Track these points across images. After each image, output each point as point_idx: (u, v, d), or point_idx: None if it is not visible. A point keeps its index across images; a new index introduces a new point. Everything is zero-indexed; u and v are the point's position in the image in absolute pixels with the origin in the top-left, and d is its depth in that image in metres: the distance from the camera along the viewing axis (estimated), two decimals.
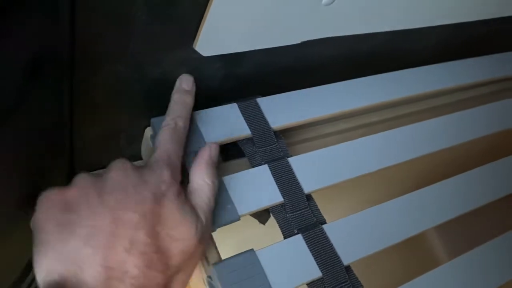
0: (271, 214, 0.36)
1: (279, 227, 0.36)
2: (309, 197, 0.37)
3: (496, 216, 0.54)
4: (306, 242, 0.34)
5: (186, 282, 0.29)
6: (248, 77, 0.40)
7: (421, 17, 0.43)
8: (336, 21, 0.37)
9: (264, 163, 0.37)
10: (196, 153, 0.34)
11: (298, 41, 0.38)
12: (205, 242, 0.32)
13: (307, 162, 0.39)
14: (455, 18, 0.46)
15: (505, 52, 0.58)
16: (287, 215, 0.36)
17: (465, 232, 0.61)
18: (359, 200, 0.65)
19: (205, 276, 0.33)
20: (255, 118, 0.39)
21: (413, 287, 0.36)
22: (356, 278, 0.34)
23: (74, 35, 0.27)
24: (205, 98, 0.37)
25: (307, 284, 0.33)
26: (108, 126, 0.36)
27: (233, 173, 0.36)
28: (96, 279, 0.25)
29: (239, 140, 0.39)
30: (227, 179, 0.35)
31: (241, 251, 0.32)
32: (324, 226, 0.36)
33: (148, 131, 0.38)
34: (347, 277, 0.34)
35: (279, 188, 0.36)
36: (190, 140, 0.36)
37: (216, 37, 0.33)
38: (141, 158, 0.41)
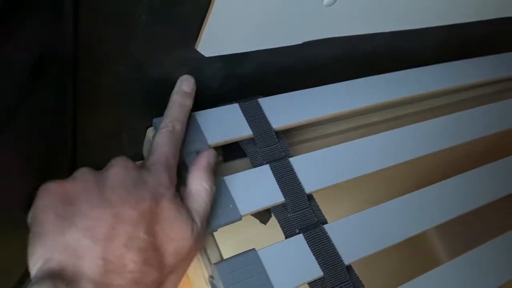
0: (272, 214, 0.36)
1: (281, 227, 0.36)
2: (310, 197, 0.37)
3: (496, 216, 0.54)
4: (307, 241, 0.34)
5: (177, 284, 0.30)
6: (249, 77, 0.40)
7: (422, 17, 0.43)
8: (337, 22, 0.37)
9: (266, 163, 0.37)
10: (197, 153, 0.35)
11: (300, 42, 0.38)
12: (199, 247, 0.32)
13: (308, 162, 0.39)
14: (455, 18, 0.46)
15: (505, 53, 0.58)
16: (288, 215, 0.36)
17: (465, 232, 0.61)
18: (360, 200, 0.65)
19: (207, 275, 0.33)
20: (256, 118, 0.39)
21: (413, 287, 0.36)
22: (357, 277, 0.35)
23: (77, 36, 0.27)
24: (206, 98, 0.38)
25: (308, 284, 0.33)
26: (110, 126, 0.37)
27: (235, 173, 0.36)
28: (95, 271, 0.25)
29: (241, 140, 0.39)
30: (228, 179, 0.35)
31: (242, 251, 0.33)
32: (325, 226, 0.36)
33: (150, 131, 0.38)
34: (348, 276, 0.34)
35: (280, 188, 0.36)
36: (191, 140, 0.36)
37: (218, 38, 0.33)
38: (142, 158, 0.41)
